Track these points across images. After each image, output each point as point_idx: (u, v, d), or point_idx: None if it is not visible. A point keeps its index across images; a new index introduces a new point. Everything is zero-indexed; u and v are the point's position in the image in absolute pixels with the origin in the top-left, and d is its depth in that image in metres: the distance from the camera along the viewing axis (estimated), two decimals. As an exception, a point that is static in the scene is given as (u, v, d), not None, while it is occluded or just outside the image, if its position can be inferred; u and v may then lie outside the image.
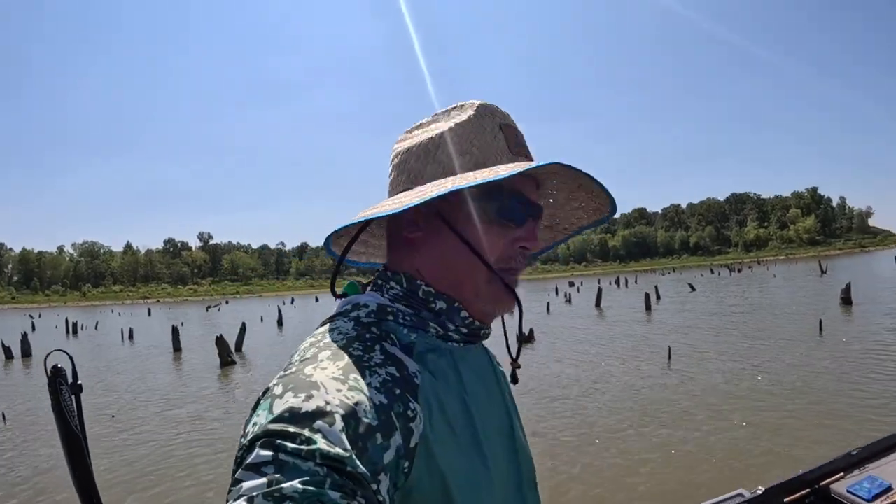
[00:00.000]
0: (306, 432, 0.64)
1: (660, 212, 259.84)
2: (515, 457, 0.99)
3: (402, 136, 1.02)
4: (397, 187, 0.97)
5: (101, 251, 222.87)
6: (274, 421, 0.65)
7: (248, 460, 0.62)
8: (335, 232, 0.99)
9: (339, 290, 1.04)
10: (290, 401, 0.68)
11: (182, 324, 32.10)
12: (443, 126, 0.95)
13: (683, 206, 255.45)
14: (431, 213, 0.92)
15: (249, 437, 0.66)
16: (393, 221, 0.98)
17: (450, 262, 0.93)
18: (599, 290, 38.98)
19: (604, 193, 1.00)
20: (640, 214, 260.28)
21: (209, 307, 79.09)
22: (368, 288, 1.00)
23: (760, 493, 3.66)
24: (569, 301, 41.67)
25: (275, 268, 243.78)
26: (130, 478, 8.65)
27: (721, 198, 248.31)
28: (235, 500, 0.58)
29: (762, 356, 14.86)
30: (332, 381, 0.72)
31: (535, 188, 0.99)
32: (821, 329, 18.15)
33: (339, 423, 0.66)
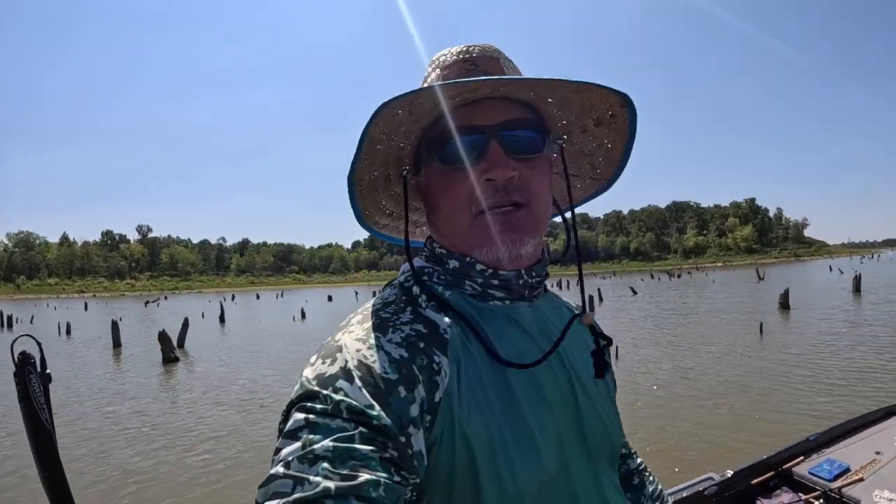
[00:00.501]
0: (330, 392, 0.67)
1: (601, 217, 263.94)
2: (579, 425, 0.91)
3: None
4: None
5: (37, 242, 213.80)
6: (303, 386, 0.70)
7: (286, 427, 0.66)
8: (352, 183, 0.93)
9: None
10: (318, 366, 0.72)
11: (121, 319, 31.20)
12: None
13: (625, 212, 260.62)
14: (413, 180, 0.99)
15: (287, 403, 0.70)
16: None
17: (442, 220, 0.93)
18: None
19: (610, 97, 0.92)
20: (583, 219, 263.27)
21: (148, 302, 77.25)
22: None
23: (729, 476, 3.87)
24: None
25: (215, 263, 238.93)
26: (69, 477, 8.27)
27: (662, 205, 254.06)
28: (274, 467, 0.61)
29: (705, 357, 15.13)
30: (354, 341, 0.75)
31: (501, 107, 0.88)
32: (761, 331, 18.61)
33: (358, 381, 0.68)
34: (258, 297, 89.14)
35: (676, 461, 7.43)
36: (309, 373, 0.72)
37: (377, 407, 0.66)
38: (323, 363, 0.72)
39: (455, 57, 0.95)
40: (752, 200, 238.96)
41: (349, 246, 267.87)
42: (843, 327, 18.93)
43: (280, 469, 0.60)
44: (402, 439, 0.66)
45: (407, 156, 0.98)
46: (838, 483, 4.02)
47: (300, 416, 0.65)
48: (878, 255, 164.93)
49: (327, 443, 0.61)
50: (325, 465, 0.59)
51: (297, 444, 0.62)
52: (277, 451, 0.63)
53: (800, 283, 46.60)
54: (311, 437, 0.62)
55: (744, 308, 27.87)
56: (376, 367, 0.70)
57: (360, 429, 0.63)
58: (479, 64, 0.93)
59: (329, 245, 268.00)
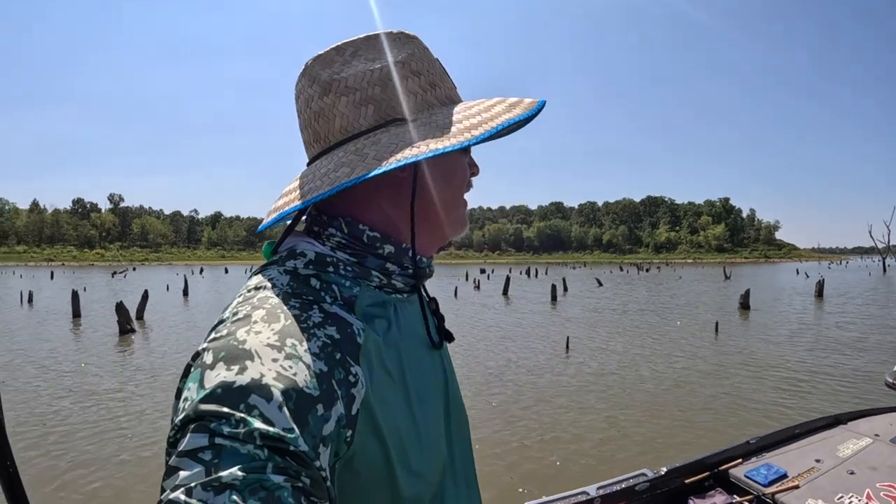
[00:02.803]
0: (242, 411, 0.59)
1: (576, 207, 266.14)
2: (447, 413, 0.96)
3: (316, 63, 0.90)
4: (354, 119, 0.88)
5: (6, 208, 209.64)
6: (206, 398, 0.60)
7: (183, 445, 0.58)
8: (280, 218, 0.91)
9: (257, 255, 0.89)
10: (223, 373, 0.62)
11: (85, 289, 30.91)
12: (388, 57, 0.89)
13: (599, 203, 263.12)
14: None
15: (181, 415, 0.61)
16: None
17: (441, 199, 0.93)
18: (508, 279, 39.54)
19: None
20: (557, 208, 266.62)
21: (115, 273, 75.96)
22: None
23: (663, 473, 3.92)
24: (477, 287, 41.95)
25: (186, 236, 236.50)
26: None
27: (637, 199, 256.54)
28: (173, 490, 0.55)
29: (657, 352, 15.21)
30: (266, 348, 0.66)
31: None
32: (717, 330, 18.80)
33: (278, 398, 0.61)
34: (227, 271, 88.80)
35: (603, 458, 7.44)
36: (209, 381, 0.62)
37: (294, 430, 0.60)
38: (228, 370, 0.62)
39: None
40: (727, 200, 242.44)
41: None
42: (799, 332, 19.15)
43: (181, 496, 0.53)
44: (317, 463, 0.61)
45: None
46: (773, 489, 4.02)
47: (202, 436, 0.58)
48: (847, 262, 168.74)
49: (236, 471, 0.55)
50: (234, 496, 0.53)
51: (201, 469, 0.55)
52: (174, 469, 0.56)
53: (765, 284, 47.31)
54: (216, 461, 0.56)
55: (705, 306, 28.10)
56: (297, 381, 0.64)
57: (275, 457, 0.58)
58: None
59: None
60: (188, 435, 0.58)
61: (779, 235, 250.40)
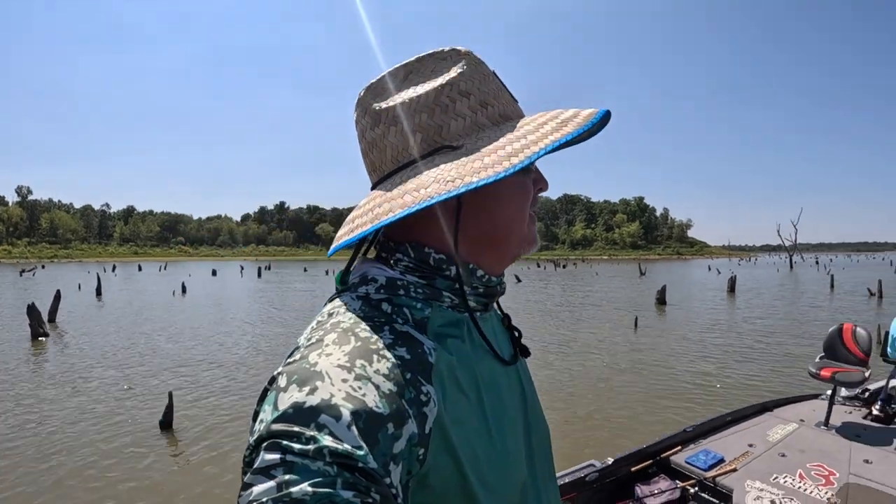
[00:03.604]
0: (312, 430, 0.62)
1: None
2: (527, 428, 0.97)
3: (367, 93, 0.94)
4: (404, 149, 0.89)
5: None
6: (279, 419, 0.63)
7: (257, 463, 0.61)
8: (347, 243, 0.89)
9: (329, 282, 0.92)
10: (295, 395, 0.65)
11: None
12: (441, 77, 0.89)
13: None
14: None
15: (255, 436, 0.64)
16: None
17: (499, 220, 0.91)
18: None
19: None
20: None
21: (23, 271, 70.80)
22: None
23: (610, 463, 4.18)
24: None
25: (98, 231, 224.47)
26: None
27: (553, 197, 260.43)
28: None
29: (579, 346, 15.45)
30: (336, 369, 0.69)
31: None
32: (636, 325, 19.29)
33: (347, 417, 0.63)
34: (140, 268, 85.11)
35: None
36: (282, 403, 0.65)
37: (364, 448, 0.62)
38: (300, 391, 0.65)
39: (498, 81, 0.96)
40: (641, 199, 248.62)
41: (238, 218, 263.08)
42: (713, 325, 19.80)
43: None
44: (387, 480, 0.63)
45: None
46: (713, 472, 4.24)
47: (274, 455, 0.60)
48: (755, 259, 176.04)
49: (306, 487, 0.57)
50: None
51: (272, 484, 0.58)
52: (247, 486, 0.59)
53: (679, 281, 48.82)
54: (287, 477, 0.58)
55: (622, 302, 28.73)
56: (367, 401, 0.66)
57: (344, 473, 0.59)
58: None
59: (218, 216, 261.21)
60: (261, 453, 0.61)
61: (691, 233, 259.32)
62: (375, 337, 0.75)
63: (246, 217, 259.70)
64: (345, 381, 0.67)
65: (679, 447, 4.70)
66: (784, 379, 11.38)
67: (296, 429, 0.62)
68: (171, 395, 8.32)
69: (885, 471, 4.44)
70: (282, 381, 0.68)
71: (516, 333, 1.04)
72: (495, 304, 1.08)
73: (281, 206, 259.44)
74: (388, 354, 0.73)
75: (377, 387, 0.68)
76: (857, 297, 30.23)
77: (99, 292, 33.24)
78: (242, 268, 77.79)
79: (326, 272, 63.64)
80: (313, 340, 0.75)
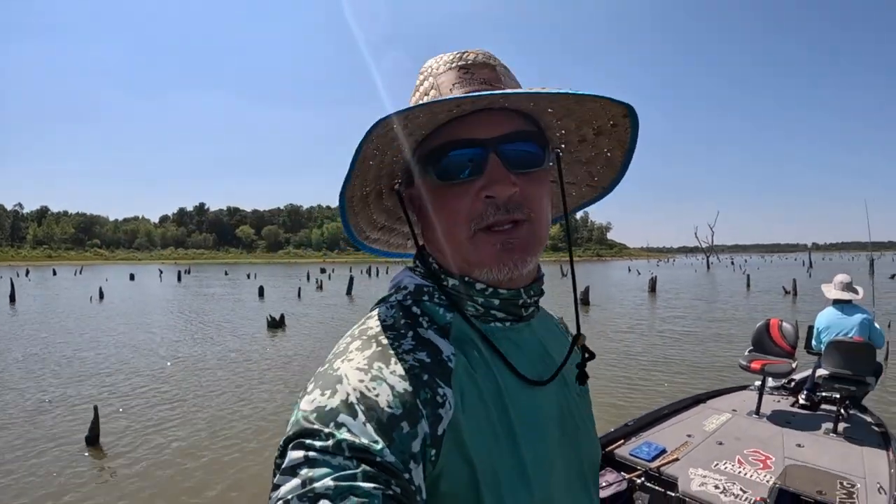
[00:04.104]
0: (331, 428, 0.65)
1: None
2: (574, 448, 0.95)
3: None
4: None
5: None
6: (302, 420, 0.68)
7: (284, 464, 0.65)
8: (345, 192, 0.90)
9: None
10: (317, 398, 0.70)
11: None
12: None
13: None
14: (406, 193, 0.95)
15: (283, 439, 0.68)
16: None
17: (439, 237, 0.89)
18: (351, 279, 39.40)
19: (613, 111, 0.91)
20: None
21: None
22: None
23: None
24: (320, 287, 41.41)
25: (10, 233, 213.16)
26: None
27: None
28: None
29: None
30: (355, 371, 0.73)
31: (499, 118, 0.85)
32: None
33: (362, 415, 0.67)
34: (55, 272, 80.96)
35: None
36: (305, 405, 0.70)
37: (381, 443, 0.65)
38: (322, 395, 0.70)
39: (448, 64, 0.90)
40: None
41: (156, 220, 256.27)
42: (638, 323, 20.33)
43: None
44: (406, 476, 0.66)
45: (399, 169, 0.95)
46: (657, 463, 4.40)
47: (299, 453, 0.64)
48: (673, 260, 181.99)
49: (328, 481, 0.60)
50: (327, 503, 0.59)
51: (297, 482, 0.61)
52: (276, 487, 0.63)
53: (601, 281, 49.88)
54: (311, 474, 0.62)
55: (545, 303, 29.15)
56: (380, 400, 0.69)
57: (363, 466, 0.63)
58: (474, 72, 0.89)
59: (135, 218, 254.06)
60: (288, 454, 0.65)
61: (610, 236, 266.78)
62: (398, 343, 0.78)
63: (164, 218, 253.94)
64: (361, 381, 0.71)
65: (622, 441, 4.84)
66: (712, 373, 11.77)
67: (317, 427, 0.66)
68: (96, 408, 7.93)
69: (817, 452, 4.73)
70: (309, 387, 0.73)
71: (585, 355, 0.99)
72: (559, 321, 1.16)
73: (201, 208, 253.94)
74: (407, 357, 0.76)
75: (392, 387, 0.71)
76: (772, 296, 31.46)
77: (13, 298, 31.65)
78: (161, 272, 75.35)
79: (248, 276, 62.41)
80: (341, 348, 0.80)
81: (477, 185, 0.82)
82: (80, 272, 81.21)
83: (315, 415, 0.67)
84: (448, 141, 0.82)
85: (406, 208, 0.95)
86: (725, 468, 4.38)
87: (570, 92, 0.78)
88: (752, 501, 3.79)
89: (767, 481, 4.13)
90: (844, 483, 3.82)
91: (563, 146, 1.00)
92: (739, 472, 4.32)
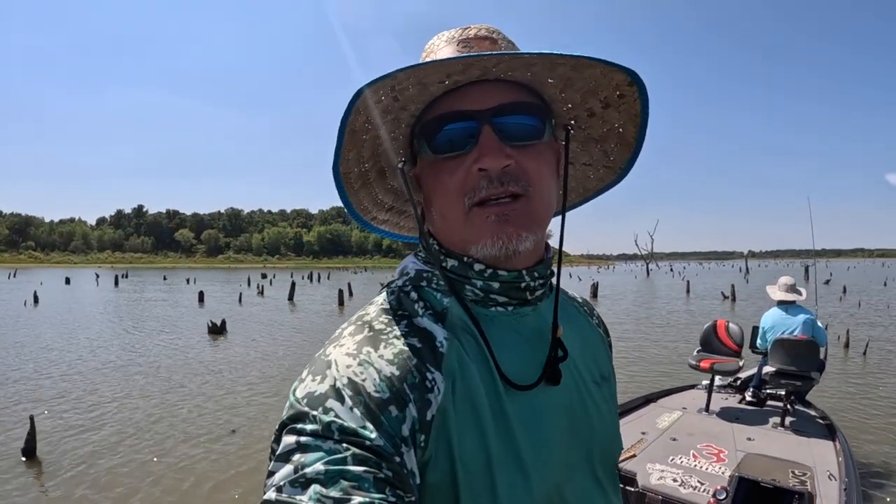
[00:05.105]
0: (320, 412, 0.66)
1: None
2: (584, 440, 0.90)
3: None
4: None
5: None
6: (294, 405, 0.69)
7: (278, 450, 0.66)
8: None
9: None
10: (308, 383, 0.71)
11: None
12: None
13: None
14: (411, 172, 0.93)
15: (279, 423, 0.70)
16: None
17: (437, 214, 0.88)
18: (293, 284, 38.98)
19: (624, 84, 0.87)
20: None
21: None
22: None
23: None
24: (261, 293, 40.88)
25: None
26: None
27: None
28: (267, 492, 0.62)
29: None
30: (344, 356, 0.74)
31: (495, 90, 0.83)
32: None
33: (349, 400, 0.67)
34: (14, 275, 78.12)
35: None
36: (299, 391, 0.71)
37: (370, 427, 0.66)
38: (313, 380, 0.71)
39: (448, 39, 0.90)
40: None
41: (93, 222, 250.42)
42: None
43: (272, 495, 0.61)
44: (397, 459, 0.66)
45: (402, 146, 0.93)
46: None
47: (291, 438, 0.65)
48: (613, 267, 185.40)
49: (319, 466, 0.61)
50: (318, 487, 0.59)
51: (290, 468, 0.62)
52: (270, 474, 0.64)
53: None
54: (302, 459, 0.62)
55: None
56: (367, 385, 0.69)
57: (353, 450, 0.63)
58: (473, 45, 0.89)
59: (71, 220, 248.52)
60: (282, 439, 0.67)
61: (550, 242, 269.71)
62: (390, 328, 0.79)
63: (101, 221, 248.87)
64: (349, 366, 0.71)
65: None
66: (660, 373, 12.09)
67: (307, 412, 0.67)
68: (32, 419, 7.57)
69: (766, 445, 4.98)
70: (303, 373, 0.74)
71: (557, 351, 0.89)
72: (579, 306, 1.15)
73: (139, 210, 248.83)
74: (396, 342, 0.76)
75: (379, 371, 0.71)
76: (711, 300, 32.13)
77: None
78: (98, 276, 73.38)
79: (188, 281, 61.24)
80: (336, 335, 0.81)
81: (470, 158, 0.81)
82: (14, 275, 78.40)
83: (306, 400, 0.68)
84: (442, 114, 0.82)
85: (410, 188, 0.91)
86: (682, 462, 4.53)
87: (557, 53, 0.76)
88: (710, 492, 3.92)
89: (723, 473, 4.30)
90: (797, 471, 3.98)
91: (572, 122, 0.96)
92: (695, 465, 4.48)
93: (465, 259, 0.86)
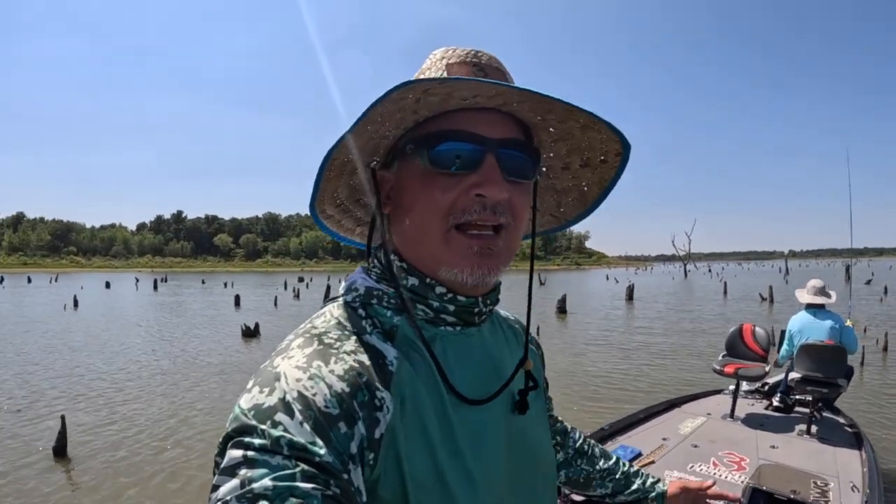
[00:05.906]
0: (269, 426, 0.65)
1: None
2: (517, 451, 0.93)
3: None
4: None
5: None
6: (240, 417, 0.68)
7: (223, 463, 0.64)
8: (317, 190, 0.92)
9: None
10: (256, 395, 0.70)
11: None
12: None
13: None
14: (380, 175, 0.92)
15: (223, 435, 0.68)
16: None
17: (412, 225, 0.87)
18: (328, 287, 39.28)
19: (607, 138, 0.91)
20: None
21: None
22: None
23: None
24: (297, 296, 41.19)
25: None
26: None
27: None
28: None
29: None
30: (294, 370, 0.73)
31: (501, 122, 0.85)
32: (538, 333, 19.56)
33: (299, 414, 0.67)
34: (30, 280, 79.85)
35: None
36: (245, 403, 0.69)
37: (319, 442, 0.65)
38: (260, 392, 0.70)
39: (462, 57, 0.91)
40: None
41: (133, 228, 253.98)
42: (614, 331, 20.50)
43: None
44: (345, 476, 0.66)
45: (383, 147, 0.92)
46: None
47: (238, 452, 0.64)
48: (651, 268, 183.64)
49: (267, 481, 0.60)
50: (266, 503, 0.59)
51: (236, 482, 0.61)
52: (215, 487, 0.62)
53: (578, 289, 50.01)
54: (249, 474, 0.61)
55: (523, 312, 29.16)
56: (317, 400, 0.69)
57: (302, 466, 0.63)
58: (487, 71, 0.89)
59: (112, 225, 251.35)
60: (227, 452, 0.65)
61: (588, 244, 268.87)
62: (339, 343, 0.79)
63: (142, 226, 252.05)
64: (299, 380, 0.70)
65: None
66: (688, 377, 11.93)
67: (255, 426, 0.65)
68: (63, 418, 7.74)
69: (790, 453, 4.86)
70: (250, 384, 0.73)
71: (529, 383, 0.97)
72: (513, 323, 1.17)
73: (178, 216, 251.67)
74: (347, 358, 0.76)
75: (329, 386, 0.71)
76: (749, 302, 31.70)
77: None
78: (137, 280, 74.79)
79: (225, 285, 61.90)
80: (283, 346, 0.81)
81: (470, 181, 0.81)
82: (56, 280, 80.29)
83: (253, 412, 0.67)
84: (451, 129, 0.82)
85: (379, 192, 0.92)
86: (701, 470, 4.47)
87: (594, 114, 0.81)
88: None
89: (742, 482, 4.21)
90: (818, 482, 3.92)
91: (544, 170, 1.01)
92: (714, 473, 4.41)
93: (428, 280, 0.87)
